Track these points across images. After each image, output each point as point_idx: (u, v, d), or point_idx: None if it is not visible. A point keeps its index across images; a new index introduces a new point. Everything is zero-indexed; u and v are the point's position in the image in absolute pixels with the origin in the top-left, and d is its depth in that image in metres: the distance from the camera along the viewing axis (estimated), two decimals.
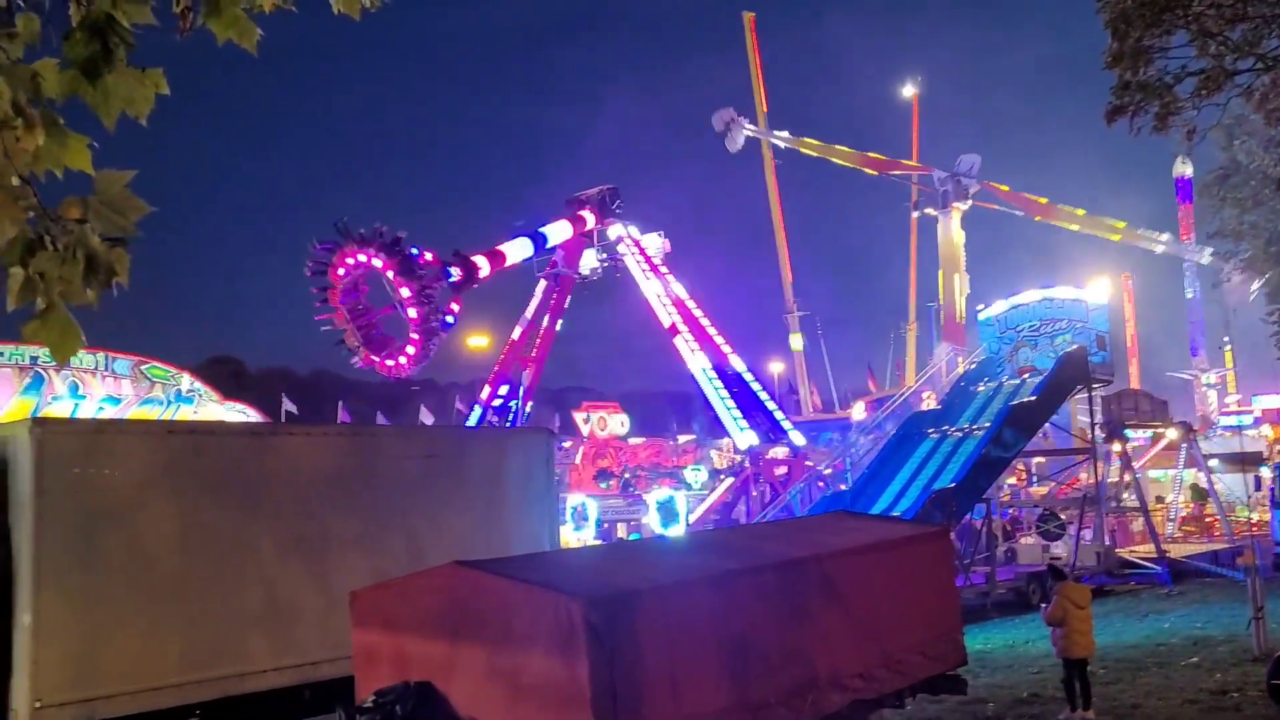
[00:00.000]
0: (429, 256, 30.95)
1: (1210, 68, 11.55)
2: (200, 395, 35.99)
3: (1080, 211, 52.95)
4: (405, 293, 29.53)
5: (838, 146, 54.41)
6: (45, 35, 3.19)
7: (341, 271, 29.95)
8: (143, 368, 34.54)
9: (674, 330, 36.33)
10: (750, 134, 55.90)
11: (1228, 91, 11.71)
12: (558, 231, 38.08)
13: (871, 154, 54.58)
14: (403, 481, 12.85)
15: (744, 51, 62.47)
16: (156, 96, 3.26)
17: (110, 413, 32.17)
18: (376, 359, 30.84)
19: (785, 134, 56.79)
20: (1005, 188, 52.05)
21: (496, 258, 35.10)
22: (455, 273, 31.85)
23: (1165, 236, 55.09)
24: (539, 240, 37.27)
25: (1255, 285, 28.60)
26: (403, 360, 30.69)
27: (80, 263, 3.00)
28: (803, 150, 56.10)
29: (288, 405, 40.53)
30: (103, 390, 33.26)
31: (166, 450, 11.00)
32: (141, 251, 3.21)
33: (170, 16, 3.27)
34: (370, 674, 8.62)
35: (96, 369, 33.31)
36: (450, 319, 31.86)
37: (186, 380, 35.87)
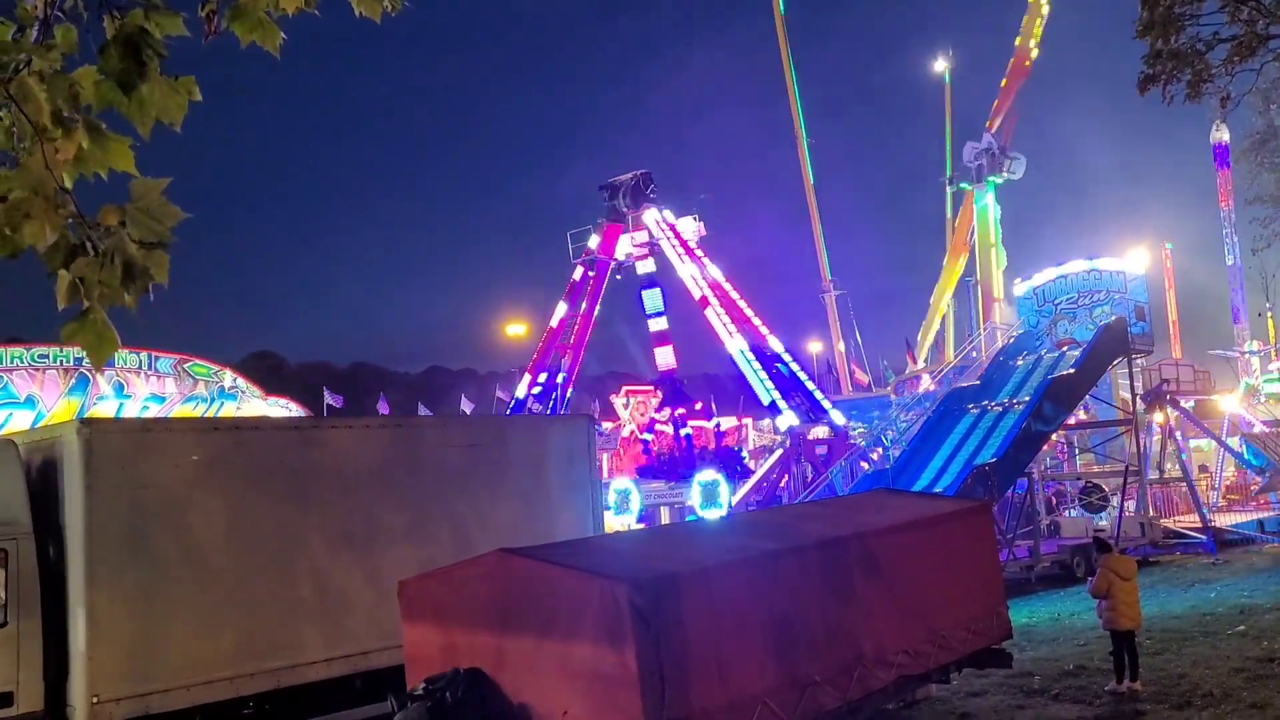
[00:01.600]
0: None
1: (1243, 33, 11.32)
2: (243, 391, 36.43)
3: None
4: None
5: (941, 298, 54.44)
6: (83, 43, 3.26)
7: None
8: (185, 366, 35.00)
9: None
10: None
11: (1261, 56, 11.48)
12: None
13: (950, 251, 54.45)
14: (446, 471, 12.98)
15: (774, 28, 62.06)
16: (191, 102, 3.33)
17: (154, 411, 32.68)
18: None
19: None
20: (994, 105, 50.84)
21: (663, 343, 38.67)
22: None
23: None
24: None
25: None
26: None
27: (118, 268, 3.07)
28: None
29: (329, 399, 40.93)
30: (147, 389, 33.77)
31: (212, 447, 11.17)
32: (180, 249, 3.29)
33: (195, 21, 3.34)
34: (420, 662, 8.76)
35: (140, 368, 33.82)
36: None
37: (229, 377, 36.32)
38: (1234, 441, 37.05)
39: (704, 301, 37.05)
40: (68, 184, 3.13)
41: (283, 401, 38.03)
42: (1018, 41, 50.29)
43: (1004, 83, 50.51)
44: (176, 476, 10.67)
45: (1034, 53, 50.23)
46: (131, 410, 32.35)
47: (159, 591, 10.30)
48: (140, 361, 33.76)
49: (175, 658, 10.28)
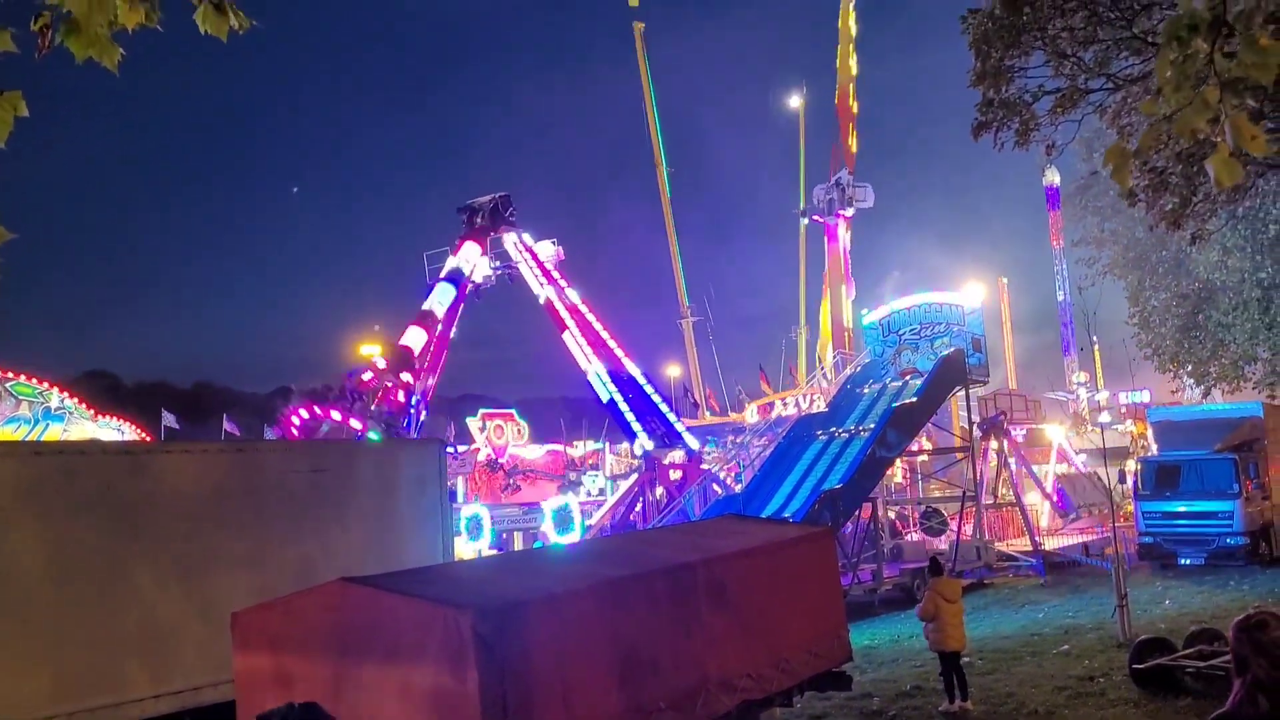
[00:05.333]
0: (366, 377, 32.15)
1: (1066, 87, 12.16)
2: (71, 412, 34.51)
3: None
4: (355, 424, 30.83)
5: None
6: None
7: (296, 420, 31.28)
8: (7, 384, 32.97)
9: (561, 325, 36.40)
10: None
11: (1082, 109, 12.36)
12: (468, 257, 37.96)
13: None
14: (290, 497, 12.59)
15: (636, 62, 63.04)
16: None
17: None
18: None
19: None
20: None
21: (428, 319, 35.24)
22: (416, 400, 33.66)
23: None
24: (457, 278, 37.51)
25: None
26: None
27: None
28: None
29: (168, 420, 39.12)
30: None
31: (33, 472, 10.56)
32: (10, 264, 3.16)
33: (27, 37, 3.22)
34: (253, 697, 8.42)
35: None
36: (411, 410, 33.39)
37: (56, 397, 34.33)
38: (1046, 479, 39.33)
39: (562, 325, 37.02)
40: None
41: (115, 423, 36.23)
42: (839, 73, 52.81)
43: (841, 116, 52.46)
44: None
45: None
46: None
47: None
48: None
49: None
